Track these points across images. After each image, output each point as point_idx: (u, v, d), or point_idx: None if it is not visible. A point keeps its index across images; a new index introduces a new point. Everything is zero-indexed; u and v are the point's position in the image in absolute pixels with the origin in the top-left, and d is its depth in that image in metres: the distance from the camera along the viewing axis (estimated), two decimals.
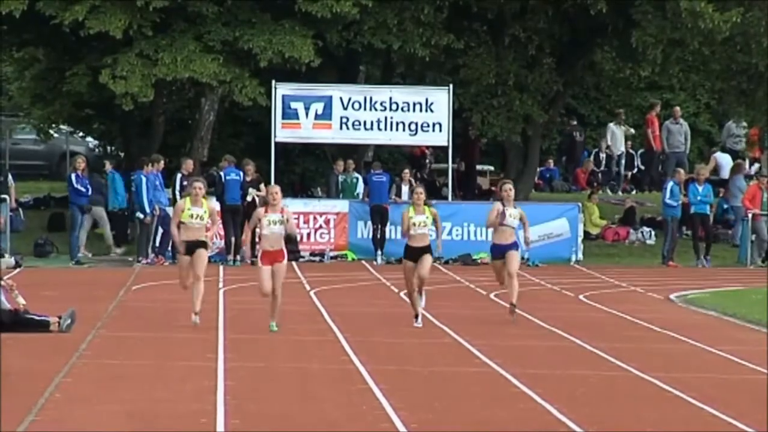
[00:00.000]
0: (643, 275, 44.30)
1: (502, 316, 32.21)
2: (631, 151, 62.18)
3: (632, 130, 61.59)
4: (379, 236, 48.69)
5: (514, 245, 30.57)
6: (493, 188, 57.40)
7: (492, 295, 36.89)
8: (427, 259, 28.70)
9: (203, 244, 27.54)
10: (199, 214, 27.09)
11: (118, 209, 49.29)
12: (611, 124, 61.71)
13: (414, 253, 28.65)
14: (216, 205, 27.58)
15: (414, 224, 28.41)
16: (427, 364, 24.97)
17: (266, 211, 26.87)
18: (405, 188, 50.49)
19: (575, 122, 63.23)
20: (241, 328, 27.38)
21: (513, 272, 30.02)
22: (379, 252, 48.38)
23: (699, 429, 19.23)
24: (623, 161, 61.52)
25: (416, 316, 28.96)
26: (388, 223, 48.75)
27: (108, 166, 49.46)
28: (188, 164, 48.36)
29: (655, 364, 25.18)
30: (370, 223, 49.03)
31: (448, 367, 24.46)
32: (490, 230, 31.29)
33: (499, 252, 30.57)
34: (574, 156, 63.87)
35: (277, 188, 28.48)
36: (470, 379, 23.24)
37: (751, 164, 57.56)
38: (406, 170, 52.06)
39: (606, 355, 25.16)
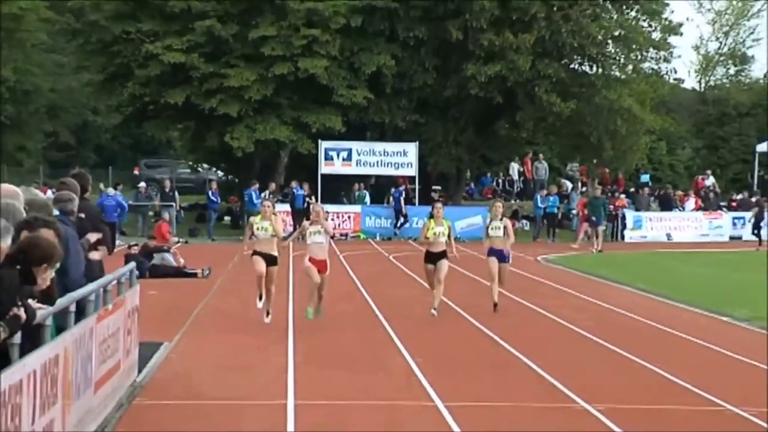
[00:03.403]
0: (522, 247, 43.70)
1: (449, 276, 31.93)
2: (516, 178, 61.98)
3: (521, 168, 61.13)
4: (397, 225, 48.73)
5: (504, 255, 22.66)
6: (440, 198, 57.04)
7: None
8: (444, 265, 21.21)
9: (275, 260, 20.20)
10: (265, 227, 20.00)
11: None
12: (513, 163, 61.16)
13: (432, 258, 21.22)
14: (280, 222, 21.45)
15: (435, 234, 21.07)
16: (410, 301, 24.79)
17: (311, 224, 20.25)
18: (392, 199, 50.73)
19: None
20: (302, 278, 27.08)
21: (504, 278, 22.75)
22: (396, 231, 48.43)
23: (556, 335, 19.06)
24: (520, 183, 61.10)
25: (434, 308, 21.12)
26: (403, 216, 48.81)
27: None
28: (272, 186, 48.30)
29: (531, 297, 25.04)
30: (374, 217, 48.90)
31: (423, 302, 24.17)
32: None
33: (493, 254, 22.50)
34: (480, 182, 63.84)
35: (320, 207, 21.45)
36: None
37: (582, 186, 57.14)
38: (393, 189, 51.75)
39: (507, 293, 24.81)
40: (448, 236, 21.37)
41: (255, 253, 20.09)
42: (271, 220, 20.08)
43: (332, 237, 20.92)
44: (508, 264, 22.86)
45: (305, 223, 20.82)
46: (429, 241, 21.27)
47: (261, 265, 19.91)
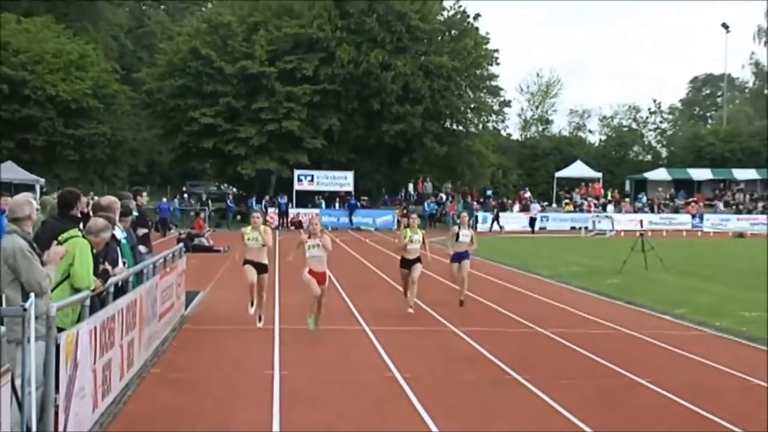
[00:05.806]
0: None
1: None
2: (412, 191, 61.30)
3: (415, 186, 60.53)
4: (351, 221, 47.37)
5: (467, 255, 16.32)
6: (366, 206, 56.05)
7: (377, 246, 36.05)
8: (418, 268, 15.01)
9: (265, 268, 13.47)
10: (255, 237, 13.10)
11: None
12: (410, 183, 59.89)
13: (407, 263, 15.07)
14: (270, 232, 13.59)
15: (411, 241, 14.99)
16: (351, 266, 24.49)
17: (309, 237, 12.82)
18: (337, 205, 50.16)
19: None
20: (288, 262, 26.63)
21: (465, 275, 16.19)
22: (352, 225, 46.65)
23: (430, 285, 18.95)
24: (414, 196, 60.27)
25: (410, 306, 14.79)
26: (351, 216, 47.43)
27: None
28: (266, 197, 47.87)
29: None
30: (328, 216, 47.29)
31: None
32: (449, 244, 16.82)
33: (456, 259, 16.33)
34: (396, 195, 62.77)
35: (317, 218, 13.74)
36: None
37: (453, 198, 56.84)
38: (337, 198, 51.25)
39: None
40: (423, 242, 15.27)
41: (246, 261, 13.44)
42: (260, 230, 13.28)
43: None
44: (469, 260, 16.53)
45: (303, 235, 13.00)
46: (407, 248, 15.15)
47: (252, 275, 13.35)
